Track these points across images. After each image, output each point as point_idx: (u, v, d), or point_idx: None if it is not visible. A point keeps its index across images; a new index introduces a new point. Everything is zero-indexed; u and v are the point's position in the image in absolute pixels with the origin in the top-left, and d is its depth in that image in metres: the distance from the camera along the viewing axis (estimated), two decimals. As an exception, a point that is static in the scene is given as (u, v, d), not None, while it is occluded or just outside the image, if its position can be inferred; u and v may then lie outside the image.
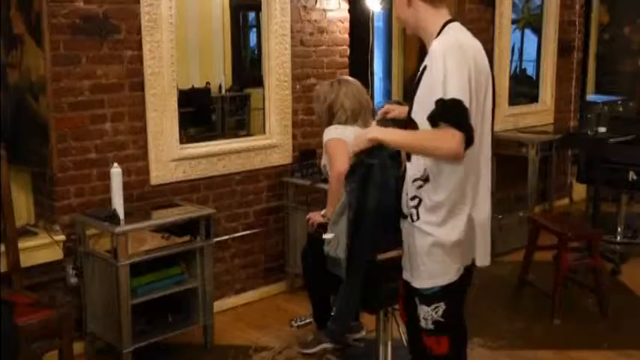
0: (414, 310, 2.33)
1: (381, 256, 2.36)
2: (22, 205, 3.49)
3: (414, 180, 2.21)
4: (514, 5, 5.96)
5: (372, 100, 4.90)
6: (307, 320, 3.76)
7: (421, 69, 2.18)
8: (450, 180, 2.15)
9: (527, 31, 6.71)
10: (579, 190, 6.42)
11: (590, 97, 6.74)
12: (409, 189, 2.23)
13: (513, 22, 6.03)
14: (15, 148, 3.28)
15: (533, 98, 6.45)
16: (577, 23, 6.57)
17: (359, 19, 4.65)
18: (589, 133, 5.54)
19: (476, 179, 2.20)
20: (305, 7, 4.31)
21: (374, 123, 2.80)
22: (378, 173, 2.23)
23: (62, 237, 3.39)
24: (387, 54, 6.46)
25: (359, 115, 3.45)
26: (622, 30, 6.82)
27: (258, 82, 4.43)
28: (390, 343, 2.85)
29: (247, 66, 6.23)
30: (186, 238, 3.48)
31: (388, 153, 2.25)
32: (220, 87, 6.09)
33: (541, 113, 6.35)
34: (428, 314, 2.26)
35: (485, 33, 5.64)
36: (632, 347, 3.67)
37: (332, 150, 3.34)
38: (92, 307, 3.42)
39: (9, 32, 3.28)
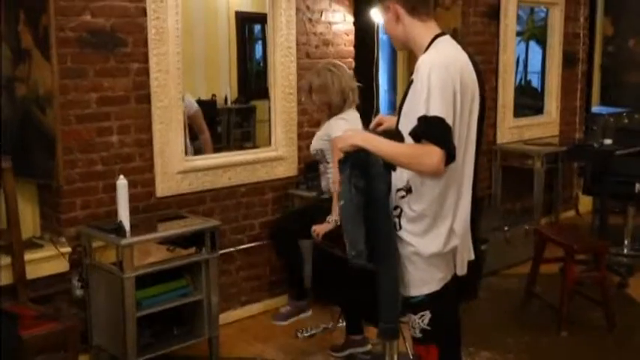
0: None
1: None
2: (28, 217, 3.49)
3: (397, 190, 2.24)
4: (518, 17, 5.98)
5: (377, 111, 4.92)
6: (313, 331, 3.76)
7: (409, 82, 2.21)
8: (432, 192, 2.18)
9: (532, 43, 6.73)
10: (585, 203, 6.41)
11: (596, 108, 6.73)
12: (393, 198, 2.26)
13: (518, 34, 6.04)
14: (21, 161, 3.29)
15: (539, 110, 6.45)
16: (582, 35, 6.58)
17: (364, 31, 4.67)
18: (595, 145, 5.53)
19: (458, 192, 2.23)
20: (310, 20, 4.33)
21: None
22: (377, 159, 2.22)
23: (68, 249, 3.40)
24: (392, 66, 6.47)
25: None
26: (627, 42, 6.82)
27: (264, 94, 4.45)
28: (396, 357, 2.84)
29: (253, 78, 6.26)
30: (192, 250, 3.48)
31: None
32: (226, 99, 6.11)
33: (546, 125, 6.35)
34: (415, 322, 2.29)
35: (489, 45, 5.66)
36: (639, 361, 3.65)
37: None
38: (97, 319, 3.42)
39: (17, 46, 3.30)
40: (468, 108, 2.18)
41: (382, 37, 5.05)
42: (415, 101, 2.10)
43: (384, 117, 2.68)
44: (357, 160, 2.21)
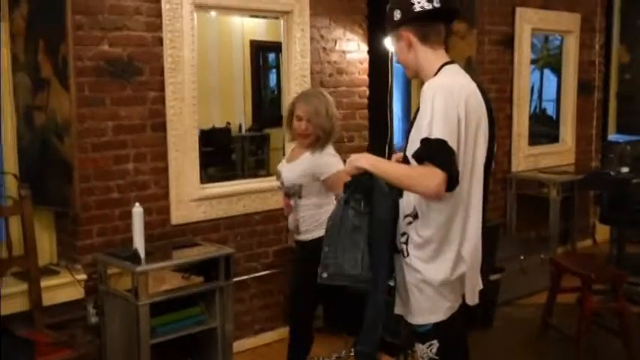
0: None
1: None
2: (45, 244, 3.52)
3: (405, 216, 2.24)
4: (533, 46, 6.00)
5: (392, 140, 4.90)
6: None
7: (417, 109, 2.23)
8: (438, 217, 2.17)
9: (547, 71, 6.74)
10: (602, 231, 6.34)
11: (612, 136, 6.69)
12: (400, 225, 2.26)
13: (532, 62, 6.06)
14: (39, 188, 3.33)
15: (554, 138, 6.43)
16: (597, 63, 6.58)
17: (378, 60, 4.69)
18: (611, 173, 5.48)
19: (465, 218, 2.21)
20: (325, 49, 4.37)
21: None
22: (382, 182, 2.22)
23: (84, 276, 3.41)
24: (406, 95, 6.50)
25: None
26: (643, 70, 6.80)
27: (278, 122, 4.48)
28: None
29: (267, 106, 6.31)
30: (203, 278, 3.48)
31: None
32: (240, 127, 6.17)
33: (562, 153, 6.33)
34: (423, 352, 2.25)
35: (504, 73, 5.67)
36: (660, 393, 3.58)
37: (340, 183, 3.08)
38: (112, 346, 3.41)
39: (37, 76, 3.35)
40: (473, 134, 2.17)
41: (396, 65, 5.08)
42: (420, 126, 2.11)
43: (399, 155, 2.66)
44: (359, 184, 2.22)
